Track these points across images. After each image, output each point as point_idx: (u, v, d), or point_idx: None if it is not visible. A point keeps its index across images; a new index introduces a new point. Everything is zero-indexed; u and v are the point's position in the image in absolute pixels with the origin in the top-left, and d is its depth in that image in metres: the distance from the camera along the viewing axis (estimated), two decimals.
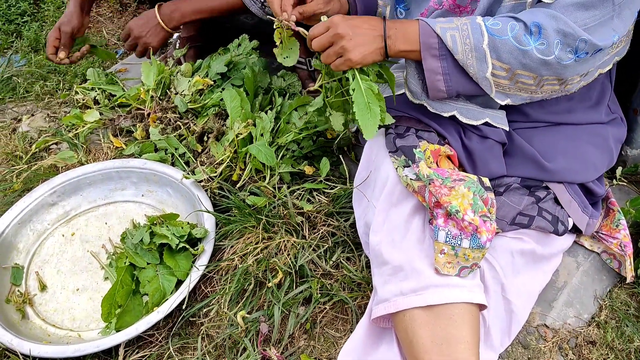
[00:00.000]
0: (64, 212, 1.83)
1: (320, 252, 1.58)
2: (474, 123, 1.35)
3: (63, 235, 1.79)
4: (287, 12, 1.34)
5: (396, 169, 1.33)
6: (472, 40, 1.21)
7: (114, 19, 2.88)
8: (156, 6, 2.03)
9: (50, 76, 2.42)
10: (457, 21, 1.24)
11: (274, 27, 1.36)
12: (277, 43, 1.41)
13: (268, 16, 2.07)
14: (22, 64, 2.51)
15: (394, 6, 1.61)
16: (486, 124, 1.36)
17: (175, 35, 2.53)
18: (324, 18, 1.29)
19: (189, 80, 2.10)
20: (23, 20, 2.79)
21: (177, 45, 2.39)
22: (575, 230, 1.46)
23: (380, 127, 1.42)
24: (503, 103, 1.29)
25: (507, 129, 1.38)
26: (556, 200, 1.39)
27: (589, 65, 1.25)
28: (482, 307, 1.24)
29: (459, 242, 1.20)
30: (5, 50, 2.63)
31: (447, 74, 1.25)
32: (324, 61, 1.27)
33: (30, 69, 2.44)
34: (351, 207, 1.62)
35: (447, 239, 1.21)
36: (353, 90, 1.26)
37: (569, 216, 1.40)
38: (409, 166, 1.31)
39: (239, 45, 2.18)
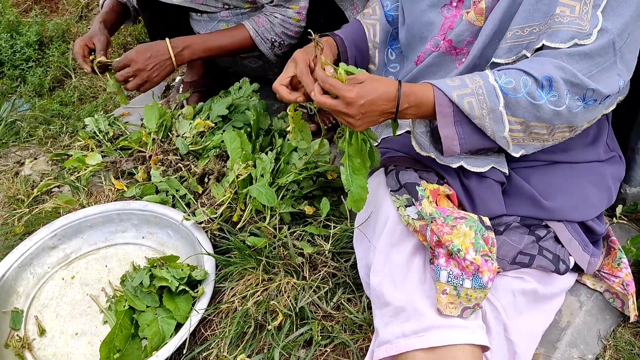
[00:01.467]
0: (65, 255, 1.83)
1: (321, 294, 1.57)
2: (482, 170, 1.37)
3: (63, 279, 1.78)
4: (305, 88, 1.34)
5: (397, 208, 1.33)
6: (488, 105, 1.24)
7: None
8: (167, 40, 1.98)
9: (53, 120, 2.45)
10: (470, 84, 1.25)
11: (287, 111, 1.39)
12: (290, 127, 1.44)
13: (275, 56, 2.11)
14: (26, 109, 2.55)
15: (385, 48, 1.64)
16: (487, 171, 1.38)
17: (178, 78, 2.57)
18: (342, 70, 1.25)
19: (191, 123, 2.13)
20: (28, 65, 2.84)
21: (181, 89, 2.43)
22: (577, 269, 1.45)
23: (374, 169, 1.44)
24: (518, 155, 1.31)
25: (507, 172, 1.39)
26: (557, 239, 1.39)
27: (597, 111, 1.29)
28: (484, 348, 1.23)
29: (460, 282, 1.19)
30: (9, 95, 2.67)
31: (463, 138, 1.28)
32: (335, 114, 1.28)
33: (34, 113, 2.47)
34: (352, 248, 1.62)
35: (449, 279, 1.20)
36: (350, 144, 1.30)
37: (570, 255, 1.40)
38: (410, 205, 1.31)
39: (240, 88, 2.22)
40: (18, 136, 2.36)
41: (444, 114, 1.26)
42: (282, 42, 2.06)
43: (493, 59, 1.34)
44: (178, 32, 2.21)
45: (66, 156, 2.18)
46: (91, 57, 1.90)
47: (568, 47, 1.23)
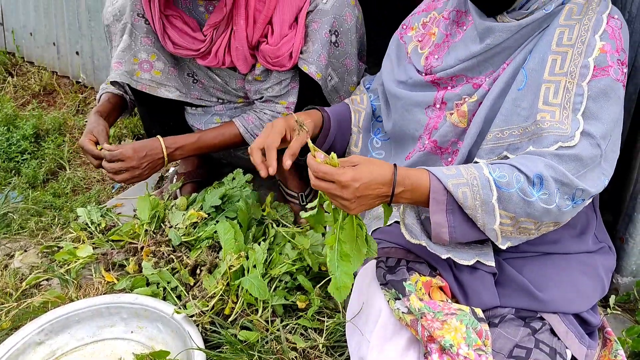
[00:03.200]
0: (51, 352, 1.77)
1: None
2: (467, 263, 1.38)
3: None
4: (272, 167, 1.45)
5: (388, 301, 1.33)
6: (482, 196, 1.26)
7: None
8: (160, 139, 2.03)
9: (45, 212, 2.45)
10: (466, 174, 1.28)
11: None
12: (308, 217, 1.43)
13: None
14: (19, 200, 2.55)
15: (368, 136, 1.70)
16: (477, 262, 1.38)
17: (172, 169, 2.61)
18: (333, 156, 1.27)
19: (184, 214, 2.14)
20: (23, 158, 2.87)
21: (174, 180, 2.46)
22: None
23: (368, 259, 1.44)
24: (504, 247, 1.33)
25: (493, 265, 1.40)
26: (552, 332, 1.37)
27: (581, 207, 1.33)
28: None
29: None
30: (3, 187, 2.68)
31: (453, 227, 1.30)
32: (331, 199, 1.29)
33: (26, 206, 2.48)
34: (346, 341, 1.59)
35: None
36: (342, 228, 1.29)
37: (567, 347, 1.38)
38: (400, 299, 1.31)
39: (234, 178, 2.25)
40: (9, 228, 2.35)
41: (438, 200, 1.28)
42: None
43: (475, 159, 1.39)
44: (173, 125, 2.28)
45: (57, 248, 2.17)
46: (99, 147, 1.95)
47: (554, 150, 1.28)
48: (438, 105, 1.51)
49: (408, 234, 1.38)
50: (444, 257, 1.36)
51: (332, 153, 1.28)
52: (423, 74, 1.56)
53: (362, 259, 1.32)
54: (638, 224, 1.67)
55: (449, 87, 1.51)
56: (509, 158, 1.35)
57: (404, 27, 1.72)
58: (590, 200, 1.34)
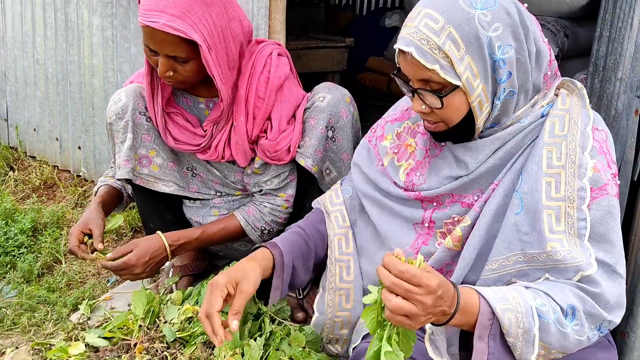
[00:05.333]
0: None
1: None
2: None
3: None
4: (219, 335, 1.36)
5: None
6: (525, 325, 1.22)
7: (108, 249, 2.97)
8: (162, 236, 2.04)
9: (39, 307, 2.41)
10: (511, 299, 1.24)
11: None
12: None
13: (264, 242, 2.16)
14: (12, 295, 2.52)
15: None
16: None
17: (168, 263, 2.59)
18: (420, 259, 1.17)
19: (179, 308, 2.11)
20: (19, 252, 2.86)
21: (171, 273, 2.44)
22: None
23: None
24: None
25: None
26: None
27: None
28: None
29: None
30: None
31: (492, 354, 1.23)
32: (388, 317, 1.16)
33: (20, 300, 2.44)
34: None
35: None
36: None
37: None
38: None
39: None
40: (2, 324, 2.30)
41: (484, 325, 1.22)
42: (272, 229, 2.13)
43: (478, 286, 1.34)
44: (172, 218, 2.30)
45: (49, 345, 2.12)
46: (89, 240, 1.96)
47: (577, 280, 1.28)
48: (427, 224, 1.51)
49: (433, 350, 1.31)
50: None
51: (420, 255, 1.18)
52: (403, 189, 1.55)
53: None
54: (639, 318, 1.65)
55: (436, 204, 1.50)
56: (515, 283, 1.34)
57: (373, 130, 1.72)
58: None
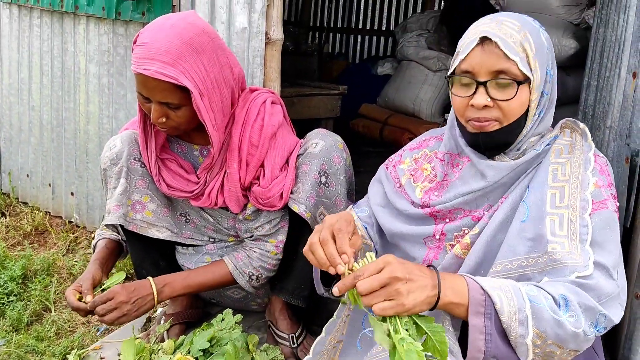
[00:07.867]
0: None
1: None
2: None
3: None
4: (346, 254, 1.32)
5: None
6: (515, 303, 1.25)
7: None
8: (150, 278, 2.02)
9: (27, 356, 2.36)
10: (497, 281, 1.30)
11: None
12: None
13: (254, 289, 2.14)
14: (1, 344, 2.47)
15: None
16: None
17: (160, 310, 2.56)
18: (370, 255, 1.29)
19: (171, 358, 2.07)
20: (9, 299, 2.82)
21: (162, 321, 2.40)
22: None
23: None
24: None
25: None
26: None
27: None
28: None
29: None
30: None
31: (489, 334, 1.26)
32: (368, 302, 1.21)
33: (8, 350, 2.39)
34: None
35: None
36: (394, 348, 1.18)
37: None
38: None
39: (223, 319, 2.20)
40: None
41: (477, 300, 1.26)
42: (260, 276, 2.12)
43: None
44: (164, 265, 2.27)
45: None
46: (77, 297, 1.91)
47: (573, 278, 1.30)
48: (438, 237, 1.55)
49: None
50: None
51: (369, 252, 1.29)
52: (419, 207, 1.61)
53: None
54: None
55: (448, 220, 1.57)
56: None
57: (391, 160, 1.81)
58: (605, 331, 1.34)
